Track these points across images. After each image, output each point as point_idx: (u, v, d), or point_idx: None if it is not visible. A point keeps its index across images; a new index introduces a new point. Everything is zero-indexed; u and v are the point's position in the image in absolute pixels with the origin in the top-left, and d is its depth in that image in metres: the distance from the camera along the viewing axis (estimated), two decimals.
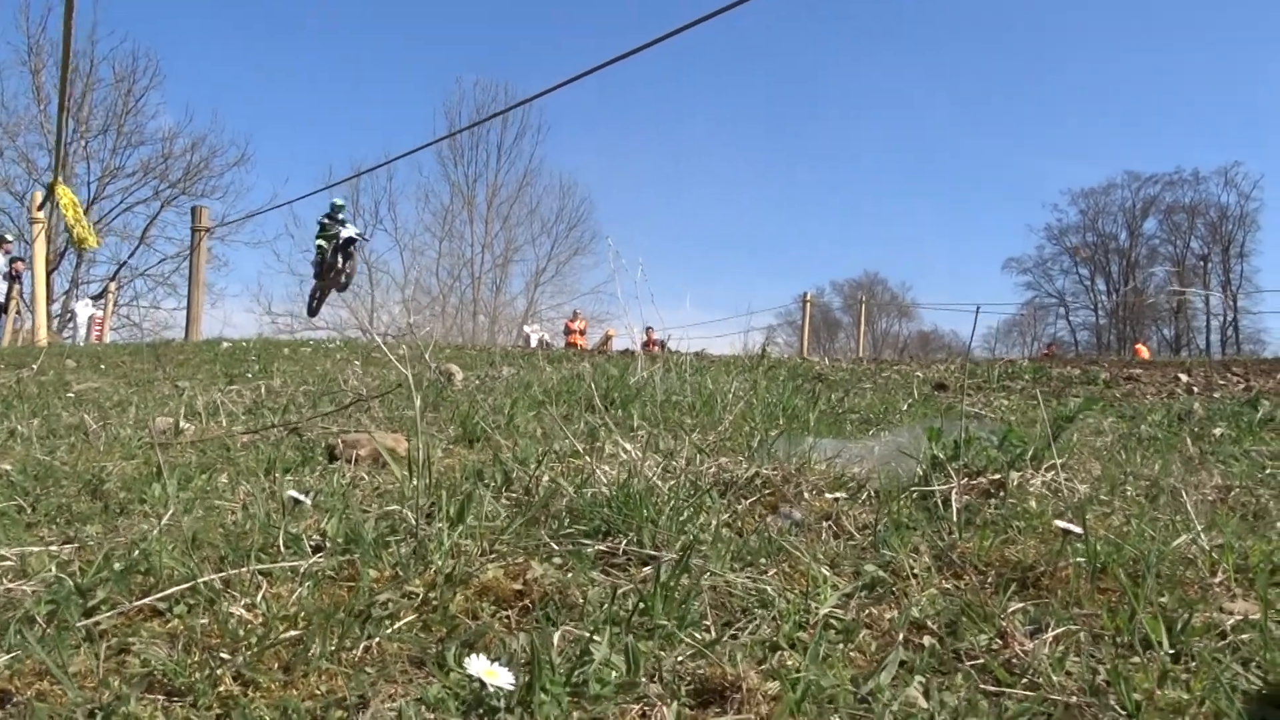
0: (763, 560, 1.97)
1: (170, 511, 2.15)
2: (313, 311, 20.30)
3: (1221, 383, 6.63)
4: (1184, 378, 6.86)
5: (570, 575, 1.85)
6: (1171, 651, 1.52)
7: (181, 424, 4.10)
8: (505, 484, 2.56)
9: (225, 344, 11.47)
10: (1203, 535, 2.02)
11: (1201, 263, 56.74)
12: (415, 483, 2.25)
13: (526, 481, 2.52)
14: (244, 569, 1.81)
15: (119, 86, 35.18)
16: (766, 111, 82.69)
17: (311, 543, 2.04)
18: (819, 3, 73.69)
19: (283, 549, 1.97)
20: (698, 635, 1.59)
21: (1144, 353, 24.36)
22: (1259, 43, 69.18)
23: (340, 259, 17.86)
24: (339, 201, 18.65)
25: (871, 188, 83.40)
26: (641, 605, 1.65)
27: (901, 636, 1.61)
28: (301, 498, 2.14)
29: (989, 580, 1.92)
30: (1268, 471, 2.96)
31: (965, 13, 75.70)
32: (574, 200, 46.33)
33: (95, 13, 34.99)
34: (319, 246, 18.27)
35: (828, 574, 1.89)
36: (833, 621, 1.68)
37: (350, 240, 17.83)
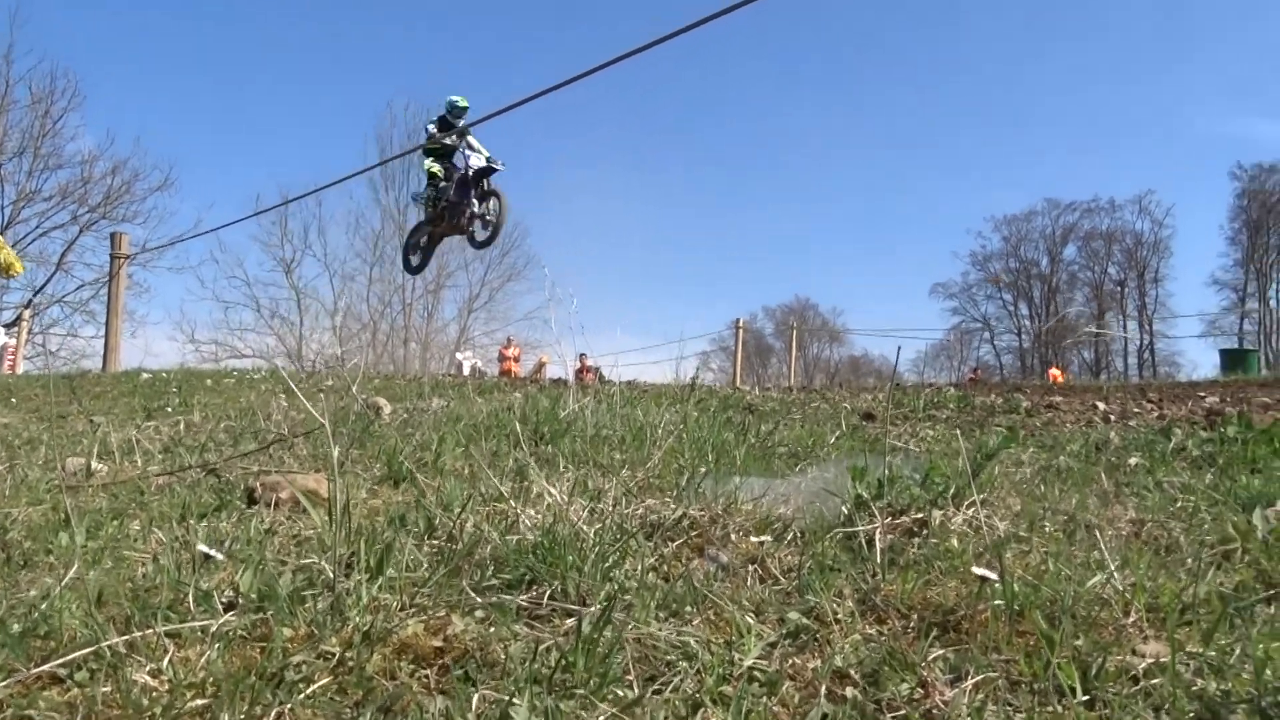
0: (688, 609, 1.96)
1: (75, 566, 2.07)
2: (414, 268, 14.85)
3: (1137, 410, 6.83)
4: (1101, 405, 7.06)
5: (492, 630, 1.81)
6: (1086, 698, 1.55)
7: (94, 464, 3.96)
8: (429, 530, 2.52)
9: (145, 375, 11.17)
10: (1116, 575, 2.06)
11: (1119, 288, 58.82)
12: (334, 531, 2.20)
13: (450, 527, 2.48)
14: (151, 630, 1.75)
15: (36, 108, 34.09)
16: (702, 140, 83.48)
17: (224, 599, 1.97)
18: (755, 44, 74.79)
19: (193, 607, 1.90)
20: (620, 693, 1.57)
21: (1059, 377, 25.05)
22: (1172, 76, 72.01)
23: (473, 199, 12.55)
24: (461, 102, 12.81)
25: (804, 214, 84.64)
26: (564, 661, 1.63)
27: (824, 688, 1.61)
28: (213, 553, 2.07)
29: (911, 624, 1.93)
30: (1179, 504, 3.04)
31: (889, 45, 77.52)
32: (508, 225, 46.02)
33: (12, 33, 33.97)
34: (431, 173, 13.04)
35: (752, 622, 1.88)
36: (756, 674, 1.67)
37: (485, 171, 12.51)
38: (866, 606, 2.02)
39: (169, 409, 6.86)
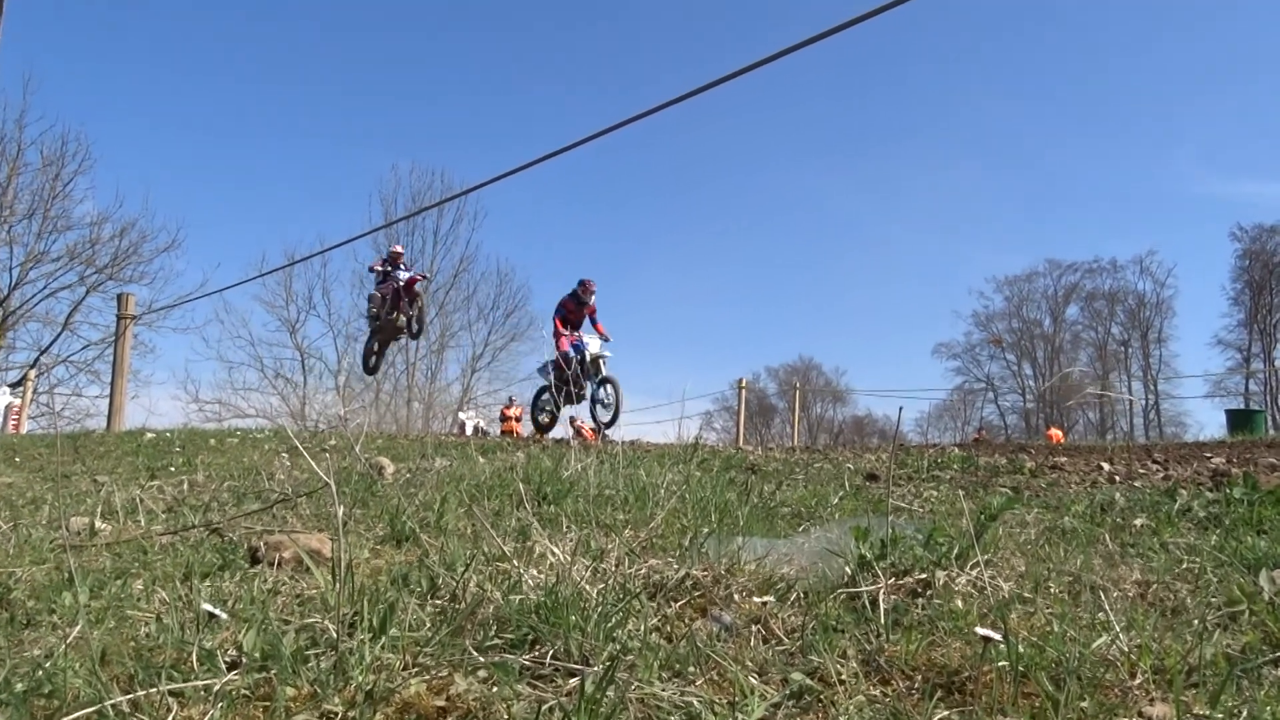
0: (691, 669, 1.96)
1: (79, 625, 2.07)
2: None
3: (1142, 471, 6.81)
4: (1106, 466, 7.04)
5: (495, 689, 1.81)
6: None
7: (98, 524, 3.96)
8: (431, 590, 2.52)
9: (149, 434, 11.17)
10: (1122, 636, 2.06)
11: (1122, 348, 58.91)
12: (337, 591, 2.20)
13: (453, 587, 2.48)
14: (154, 689, 1.74)
15: (47, 171, 34.53)
16: (701, 196, 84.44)
17: (227, 658, 1.97)
18: (755, 102, 76.04)
19: (196, 666, 1.90)
20: None
21: (1059, 437, 24.89)
22: (1163, 142, 72.96)
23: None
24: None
25: (805, 277, 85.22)
26: None
27: None
28: (217, 611, 2.07)
29: (916, 685, 1.92)
30: (1184, 566, 3.03)
31: (878, 114, 78.77)
32: (511, 286, 46.24)
33: (25, 98, 34.62)
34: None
35: (756, 682, 1.88)
36: None
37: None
38: (870, 667, 2.01)
39: (173, 468, 6.86)
